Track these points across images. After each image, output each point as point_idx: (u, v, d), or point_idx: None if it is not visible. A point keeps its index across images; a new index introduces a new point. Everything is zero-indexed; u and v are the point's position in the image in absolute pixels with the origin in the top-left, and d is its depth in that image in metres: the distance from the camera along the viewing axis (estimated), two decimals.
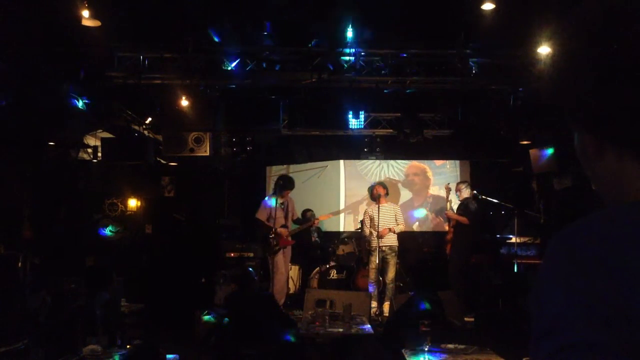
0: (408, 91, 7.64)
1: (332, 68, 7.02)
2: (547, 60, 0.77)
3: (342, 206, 10.06)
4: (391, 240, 7.63)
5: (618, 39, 0.65)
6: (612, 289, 0.57)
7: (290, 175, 8.74)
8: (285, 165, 10.18)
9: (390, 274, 7.62)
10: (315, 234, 8.99)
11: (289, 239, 7.91)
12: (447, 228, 8.36)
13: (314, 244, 8.88)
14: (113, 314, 4.97)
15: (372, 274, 7.66)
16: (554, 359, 0.57)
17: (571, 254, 0.61)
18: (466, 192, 7.94)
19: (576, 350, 0.56)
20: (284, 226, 7.95)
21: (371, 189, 7.98)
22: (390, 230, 7.57)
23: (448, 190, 8.23)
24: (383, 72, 7.14)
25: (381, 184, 7.94)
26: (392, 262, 7.63)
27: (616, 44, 0.65)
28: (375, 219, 7.66)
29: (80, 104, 6.84)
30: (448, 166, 10.14)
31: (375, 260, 7.60)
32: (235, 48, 6.91)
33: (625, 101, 0.65)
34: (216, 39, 6.78)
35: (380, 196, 7.68)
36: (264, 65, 7.02)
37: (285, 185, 7.93)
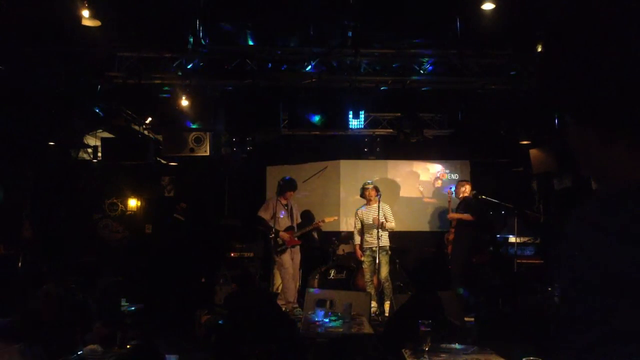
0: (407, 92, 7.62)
1: (332, 68, 7.02)
2: (556, 54, 0.75)
3: (342, 206, 10.05)
4: (382, 240, 7.66)
5: (624, 30, 0.65)
6: None
7: (291, 175, 8.73)
8: (285, 165, 10.17)
9: (383, 272, 7.66)
10: (316, 234, 8.99)
11: (295, 238, 7.93)
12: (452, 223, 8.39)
13: (314, 244, 8.87)
14: (110, 307, 4.96)
15: (367, 274, 7.73)
16: (592, 351, 0.52)
17: (596, 233, 0.58)
18: (466, 192, 7.97)
19: (619, 340, 0.51)
20: (291, 227, 7.95)
21: (362, 190, 8.00)
22: (382, 224, 7.60)
23: (450, 194, 8.34)
24: (383, 72, 7.14)
25: (374, 186, 7.95)
26: (384, 260, 7.67)
27: (625, 34, 0.65)
28: (366, 219, 7.72)
29: None
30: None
31: (367, 260, 7.67)
32: (235, 48, 6.90)
33: (637, 90, 0.64)
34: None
35: (372, 197, 7.74)
36: (264, 65, 7.02)
37: (285, 186, 7.95)
